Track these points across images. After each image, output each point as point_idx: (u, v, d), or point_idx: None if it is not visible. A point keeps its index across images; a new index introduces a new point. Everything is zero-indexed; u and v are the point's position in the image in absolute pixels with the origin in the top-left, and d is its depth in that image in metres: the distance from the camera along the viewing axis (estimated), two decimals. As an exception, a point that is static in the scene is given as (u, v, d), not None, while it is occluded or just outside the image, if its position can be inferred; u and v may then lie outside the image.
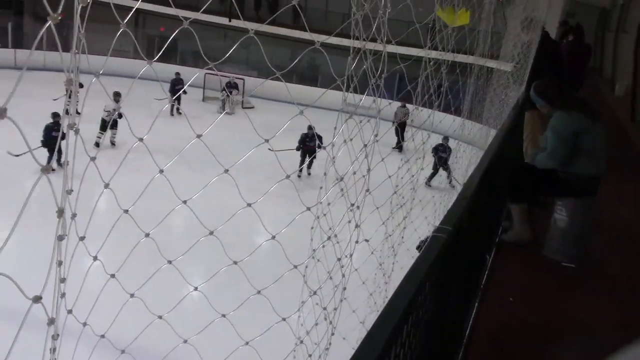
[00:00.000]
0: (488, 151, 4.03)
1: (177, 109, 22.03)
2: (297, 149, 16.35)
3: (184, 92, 22.59)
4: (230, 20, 26.55)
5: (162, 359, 3.14)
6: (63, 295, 1.46)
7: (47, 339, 1.39)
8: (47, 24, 0.96)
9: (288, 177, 2.11)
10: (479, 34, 5.12)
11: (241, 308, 2.67)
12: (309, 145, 16.46)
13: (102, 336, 1.96)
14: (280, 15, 25.08)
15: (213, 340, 3.59)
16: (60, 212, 1.17)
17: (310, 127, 15.95)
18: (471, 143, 6.31)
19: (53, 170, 12.94)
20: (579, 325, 3.73)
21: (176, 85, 21.67)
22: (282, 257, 2.69)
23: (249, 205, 2.06)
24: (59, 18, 0.96)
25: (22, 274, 1.60)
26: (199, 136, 1.81)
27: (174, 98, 20.36)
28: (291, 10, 25.83)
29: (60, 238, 1.22)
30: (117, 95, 15.44)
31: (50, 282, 1.29)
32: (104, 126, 16.71)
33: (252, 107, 24.74)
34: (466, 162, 5.96)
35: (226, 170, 1.89)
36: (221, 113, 22.27)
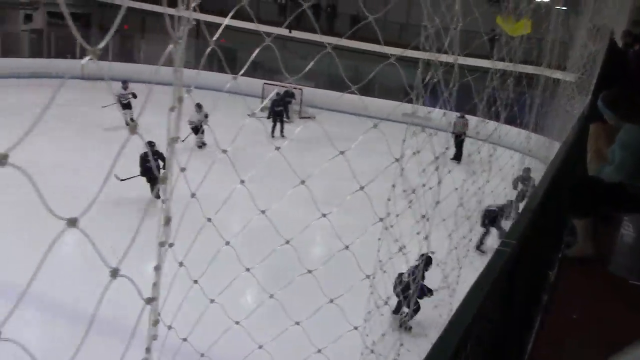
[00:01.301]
0: (552, 164, 3.97)
1: (281, 130, 20.52)
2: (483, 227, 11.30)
3: (287, 116, 21.50)
4: (290, 32, 26.87)
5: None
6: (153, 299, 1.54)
7: (148, 339, 1.47)
8: (87, 59, 0.96)
9: (362, 188, 2.15)
10: (545, 45, 5.05)
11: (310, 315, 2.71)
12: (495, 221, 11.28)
13: (185, 340, 2.04)
14: (336, 26, 25.08)
15: (285, 346, 3.63)
16: (167, 220, 1.24)
17: (506, 207, 11.01)
18: (535, 156, 6.21)
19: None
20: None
21: (276, 106, 20.34)
22: (342, 266, 2.73)
23: (324, 215, 2.11)
24: (100, 52, 0.96)
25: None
26: (277, 148, 1.87)
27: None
28: (349, 21, 26.01)
29: (161, 244, 1.30)
30: (198, 107, 15.73)
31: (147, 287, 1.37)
32: (196, 132, 16.94)
33: (313, 117, 24.38)
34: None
35: (302, 182, 1.95)
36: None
